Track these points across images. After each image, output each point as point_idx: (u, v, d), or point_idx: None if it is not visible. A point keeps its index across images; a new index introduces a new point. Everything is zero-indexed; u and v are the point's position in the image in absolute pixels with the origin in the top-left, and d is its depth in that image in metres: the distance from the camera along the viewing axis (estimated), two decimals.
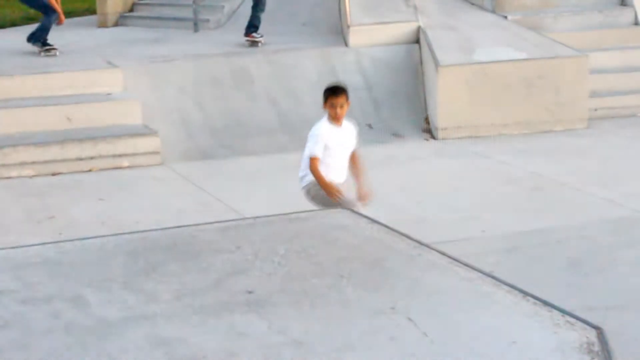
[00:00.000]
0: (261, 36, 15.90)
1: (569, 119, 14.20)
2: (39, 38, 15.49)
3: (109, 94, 13.96)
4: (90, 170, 12.46)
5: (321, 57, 15.12)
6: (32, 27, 21.08)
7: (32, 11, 23.29)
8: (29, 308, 5.32)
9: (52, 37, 17.50)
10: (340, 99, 8.55)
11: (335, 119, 8.62)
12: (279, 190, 11.22)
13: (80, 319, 5.16)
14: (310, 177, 8.69)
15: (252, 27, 16.01)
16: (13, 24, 21.72)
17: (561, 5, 17.16)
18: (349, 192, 8.58)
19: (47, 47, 15.36)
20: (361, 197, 8.56)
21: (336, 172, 8.69)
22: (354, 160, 8.92)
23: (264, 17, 16.76)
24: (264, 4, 16.14)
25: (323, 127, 8.72)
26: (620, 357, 4.75)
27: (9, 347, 4.87)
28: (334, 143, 8.66)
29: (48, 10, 15.23)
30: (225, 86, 14.71)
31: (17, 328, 5.08)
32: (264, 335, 4.96)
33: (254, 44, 15.89)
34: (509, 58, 14.47)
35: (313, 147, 8.63)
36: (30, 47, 15.58)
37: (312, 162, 8.58)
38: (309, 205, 8.37)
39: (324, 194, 8.49)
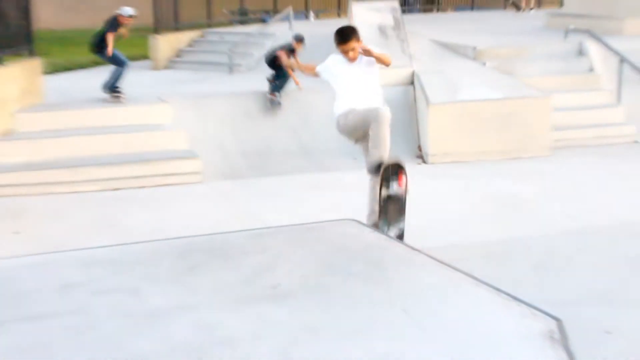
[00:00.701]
0: (279, 96, 15.15)
1: (535, 148, 14.21)
2: (111, 86, 15.04)
3: (159, 124, 14.02)
4: (143, 187, 12.52)
5: (333, 94, 15.12)
6: (98, 70, 21.27)
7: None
8: (95, 298, 5.35)
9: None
10: (350, 44, 7.75)
11: (347, 59, 7.90)
12: (298, 204, 11.25)
13: (137, 307, 5.19)
14: (336, 112, 8.12)
15: (277, 88, 15.22)
16: (81, 67, 21.80)
17: (530, 54, 17.20)
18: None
19: (116, 94, 14.91)
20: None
21: (354, 102, 7.90)
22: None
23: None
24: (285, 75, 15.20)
25: (331, 57, 8.19)
26: (575, 343, 4.76)
27: (80, 329, 4.90)
28: (343, 74, 8.00)
29: (119, 62, 14.97)
30: (254, 118, 14.76)
31: (86, 314, 5.11)
32: (285, 321, 4.98)
33: (272, 101, 15.13)
34: (486, 98, 14.49)
35: (321, 66, 8.42)
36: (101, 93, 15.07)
37: (306, 66, 9.04)
38: (324, 217, 8.36)
39: (348, 121, 7.91)
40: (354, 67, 7.89)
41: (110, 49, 14.44)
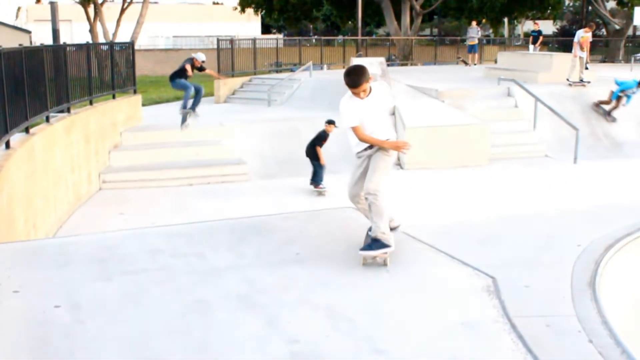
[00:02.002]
0: (324, 188, 11.79)
1: (478, 159, 14.13)
2: (184, 116, 13.72)
3: (219, 140, 14.02)
4: (209, 183, 12.52)
5: (338, 121, 15.08)
6: (178, 103, 21.34)
7: (178, 92, 23.53)
8: (174, 260, 5.34)
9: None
10: (360, 88, 5.05)
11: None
12: (314, 197, 11.23)
13: (203, 267, 5.18)
14: (358, 148, 5.37)
15: (318, 179, 11.99)
16: (167, 101, 21.87)
17: (474, 95, 17.12)
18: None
19: (185, 121, 13.72)
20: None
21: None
22: None
23: (307, 98, 16.76)
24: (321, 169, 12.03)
25: (345, 101, 5.20)
26: (504, 294, 4.73)
27: (163, 281, 4.90)
28: (360, 115, 5.14)
29: (187, 89, 13.74)
30: (284, 137, 14.72)
31: (167, 271, 5.11)
32: (304, 277, 4.97)
33: (320, 193, 11.78)
34: (445, 124, 14.44)
35: (346, 121, 5.17)
36: (180, 119, 14.52)
37: (356, 132, 5.16)
38: (332, 205, 8.31)
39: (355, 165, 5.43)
40: (365, 105, 5.17)
41: (189, 72, 13.32)
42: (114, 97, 14.27)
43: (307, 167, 13.47)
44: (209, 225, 6.53)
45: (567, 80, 18.03)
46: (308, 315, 4.33)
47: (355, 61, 17.14)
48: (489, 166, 13.96)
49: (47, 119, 10.27)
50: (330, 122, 12.45)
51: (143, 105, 16.45)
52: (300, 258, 5.36)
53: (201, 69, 13.63)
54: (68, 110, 11.39)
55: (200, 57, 13.58)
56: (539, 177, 12.77)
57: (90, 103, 12.75)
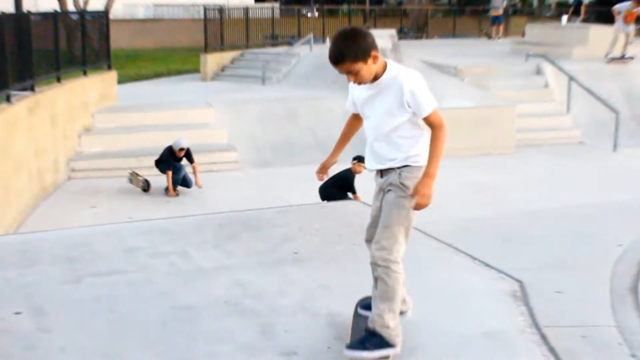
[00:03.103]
0: None
1: (502, 146, 14.12)
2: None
3: (206, 123, 14.01)
4: (192, 172, 12.49)
5: (343, 102, 14.97)
6: (160, 81, 21.28)
7: (159, 69, 23.51)
8: (154, 259, 5.32)
9: (171, 86, 17.53)
10: (342, 68, 3.63)
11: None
12: (314, 188, 11.20)
13: (187, 267, 5.16)
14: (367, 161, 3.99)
15: None
16: (146, 78, 21.88)
17: (499, 73, 17.11)
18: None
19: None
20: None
21: (369, 151, 3.90)
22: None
23: (306, 76, 16.74)
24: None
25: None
26: (533, 300, 4.71)
27: (139, 284, 4.88)
28: (359, 102, 3.89)
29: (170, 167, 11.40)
30: (281, 120, 14.71)
31: (146, 271, 5.09)
32: (303, 281, 4.95)
33: None
34: (464, 106, 14.41)
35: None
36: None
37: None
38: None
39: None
40: (367, 91, 3.80)
41: (170, 187, 11.15)
42: (85, 73, 14.23)
43: (306, 154, 13.45)
44: (194, 220, 6.51)
45: (606, 56, 17.98)
46: (307, 324, 4.30)
47: None
48: (515, 154, 13.95)
49: (8, 98, 10.23)
50: (361, 160, 9.30)
51: (118, 82, 16.42)
52: (298, 258, 5.34)
53: (189, 158, 11.35)
54: (32, 89, 11.34)
55: (180, 144, 11.26)
56: (573, 167, 12.75)
57: (58, 80, 12.71)
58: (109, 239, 5.84)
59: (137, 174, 11.54)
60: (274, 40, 24.29)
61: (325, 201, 9.00)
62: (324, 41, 25.61)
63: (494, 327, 4.34)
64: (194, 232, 5.99)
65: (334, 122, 13.83)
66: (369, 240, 4.05)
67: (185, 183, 11.41)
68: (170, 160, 11.20)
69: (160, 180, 11.13)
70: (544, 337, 4.22)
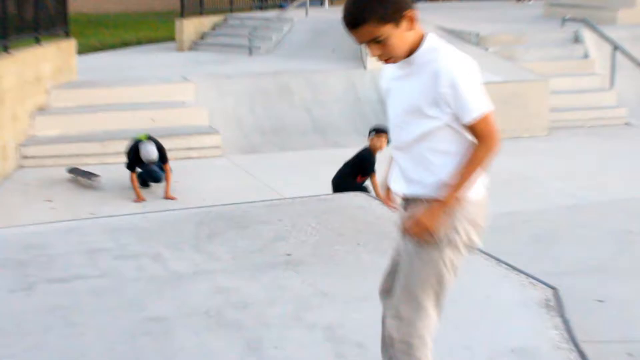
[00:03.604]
0: None
1: (533, 128, 14.11)
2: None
3: (183, 101, 13.98)
4: (168, 160, 12.48)
5: (345, 77, 15.05)
6: (127, 51, 21.25)
7: (127, 37, 23.48)
8: (121, 262, 5.34)
9: (141, 57, 17.52)
10: (360, 36, 2.94)
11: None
12: (311, 177, 11.21)
13: (159, 272, 5.18)
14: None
15: None
16: (112, 47, 21.82)
17: (529, 41, 17.07)
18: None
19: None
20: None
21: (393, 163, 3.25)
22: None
23: (301, 45, 16.74)
24: None
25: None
26: (570, 310, 4.72)
27: (104, 292, 4.89)
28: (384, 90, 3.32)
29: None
30: (271, 97, 14.68)
31: (111, 277, 5.10)
32: (298, 287, 4.96)
33: None
34: (488, 81, 14.33)
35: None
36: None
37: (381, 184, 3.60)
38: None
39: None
40: (399, 81, 3.16)
41: (136, 192, 10.57)
42: (38, 41, 14.19)
43: (302, 138, 13.44)
44: (168, 216, 6.53)
45: None
46: (302, 338, 4.31)
47: None
48: (548, 138, 13.94)
49: None
50: (380, 132, 8.94)
51: (79, 53, 16.37)
52: (292, 260, 5.34)
53: (161, 156, 10.78)
54: None
55: (149, 155, 10.52)
56: (618, 153, 12.75)
57: (5, 50, 12.67)
58: (68, 239, 5.85)
59: (78, 171, 11.42)
60: (262, 2, 24.25)
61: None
62: (322, 3, 25.60)
63: (523, 342, 4.35)
64: (168, 230, 5.99)
65: (334, 101, 13.89)
66: (384, 292, 3.42)
67: (153, 176, 10.88)
68: (134, 161, 10.65)
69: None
70: (582, 355, 4.23)
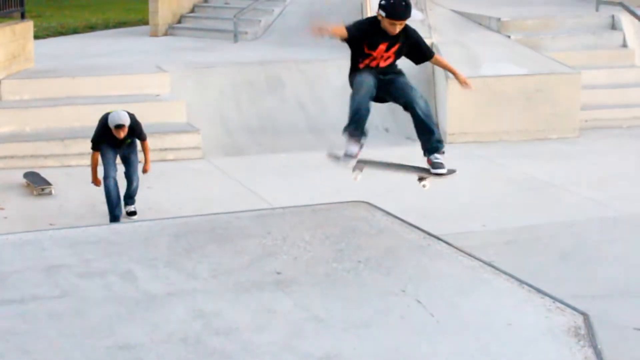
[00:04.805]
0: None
1: (562, 129, 14.14)
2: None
3: (157, 95, 13.98)
4: (140, 162, 12.48)
5: (345, 66, 15.00)
6: (93, 35, 21.26)
7: (93, 19, 23.48)
8: (85, 281, 5.34)
9: (109, 42, 17.53)
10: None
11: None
12: (305, 184, 11.23)
13: (129, 292, 5.18)
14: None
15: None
16: (75, 31, 21.80)
17: (558, 27, 17.08)
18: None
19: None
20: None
21: None
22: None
23: (294, 30, 16.74)
24: None
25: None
26: (604, 340, 4.74)
27: (65, 315, 4.89)
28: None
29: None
30: (260, 90, 14.70)
31: (74, 298, 5.10)
32: (289, 311, 4.97)
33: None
34: (510, 73, 14.42)
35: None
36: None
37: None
38: (333, 198, 8.31)
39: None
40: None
41: (93, 175, 10.19)
42: None
43: (294, 138, 13.44)
44: (140, 228, 6.53)
45: None
46: None
47: None
48: (579, 140, 13.97)
49: None
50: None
51: (36, 37, 16.37)
52: (282, 280, 5.36)
53: (137, 134, 10.38)
54: None
55: (117, 118, 10.06)
56: None
57: None
58: (24, 253, 5.85)
59: (34, 176, 11.35)
60: None
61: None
62: None
63: None
64: (140, 244, 6.00)
65: (333, 95, 13.87)
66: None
67: (128, 177, 10.33)
68: (102, 140, 10.15)
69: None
70: None
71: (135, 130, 10.22)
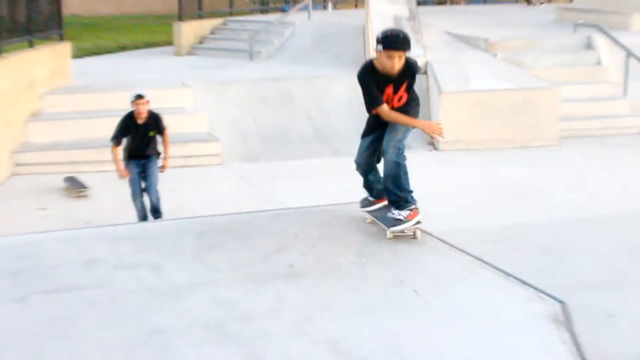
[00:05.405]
0: None
1: (544, 138, 14.14)
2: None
3: (181, 108, 14.02)
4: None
5: (349, 82, 15.03)
6: (124, 55, 21.29)
7: (124, 40, 23.53)
8: (118, 273, 5.37)
9: (138, 61, 17.57)
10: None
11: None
12: (312, 187, 11.25)
13: (158, 283, 5.20)
14: None
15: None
16: (108, 51, 21.85)
17: (540, 47, 17.11)
18: None
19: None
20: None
21: None
22: None
23: (303, 50, 16.79)
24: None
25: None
26: (579, 325, 4.75)
27: (102, 303, 4.92)
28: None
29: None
30: (273, 104, 14.74)
31: (109, 288, 5.13)
32: (300, 300, 4.99)
33: None
34: (497, 88, 14.43)
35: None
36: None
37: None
38: (338, 200, 8.32)
39: None
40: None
41: (118, 166, 9.68)
42: (31, 45, 14.25)
43: (304, 147, 13.46)
44: (167, 226, 6.55)
45: None
46: (304, 352, 4.35)
47: (374, 0, 17.09)
48: (559, 147, 13.96)
49: None
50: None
51: (74, 57, 16.42)
52: (294, 272, 5.38)
53: (157, 124, 9.84)
54: None
55: (135, 93, 9.80)
56: (630, 165, 12.78)
57: None
58: (63, 249, 5.88)
59: (72, 180, 11.35)
60: (264, 5, 24.33)
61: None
62: (325, 7, 25.67)
63: (530, 357, 4.39)
64: (167, 241, 6.02)
65: (337, 108, 13.92)
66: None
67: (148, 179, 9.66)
68: (123, 130, 9.63)
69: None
70: None
71: (158, 120, 9.78)
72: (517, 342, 4.58)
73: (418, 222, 5.86)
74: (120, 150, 9.72)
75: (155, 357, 4.27)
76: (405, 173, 5.94)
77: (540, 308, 4.97)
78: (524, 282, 5.32)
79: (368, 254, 5.68)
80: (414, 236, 5.86)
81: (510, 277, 5.40)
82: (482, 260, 5.67)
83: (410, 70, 5.92)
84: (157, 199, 9.57)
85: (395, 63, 5.74)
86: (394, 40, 5.74)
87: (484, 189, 11.32)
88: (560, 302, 5.01)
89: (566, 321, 4.79)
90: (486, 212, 9.96)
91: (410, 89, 6.00)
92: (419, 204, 5.94)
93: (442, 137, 6.03)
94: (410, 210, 5.85)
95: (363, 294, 5.07)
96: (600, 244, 7.03)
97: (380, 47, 5.74)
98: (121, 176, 9.65)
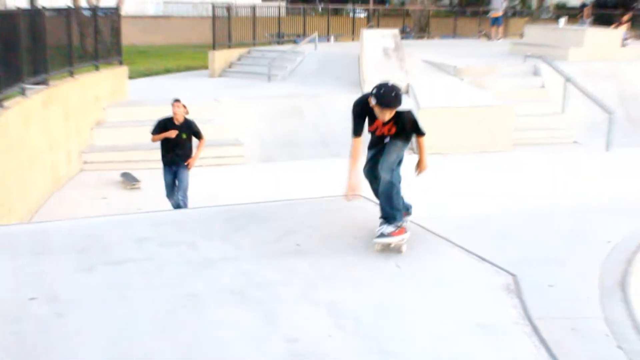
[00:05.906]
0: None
1: (500, 145, 14.13)
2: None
3: (214, 118, 14.03)
4: (200, 166, 12.51)
5: (346, 99, 14.99)
6: (169, 76, 21.28)
7: (169, 65, 23.54)
8: (163, 249, 5.39)
9: (180, 81, 17.55)
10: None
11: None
12: (317, 182, 11.24)
13: (194, 257, 5.22)
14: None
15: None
16: (156, 73, 21.88)
17: (498, 73, 17.10)
18: None
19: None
20: None
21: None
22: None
23: (311, 73, 16.78)
24: None
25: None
26: (526, 293, 4.77)
27: (150, 272, 4.94)
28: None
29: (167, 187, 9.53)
30: (286, 116, 14.74)
31: (155, 261, 5.15)
32: (305, 271, 5.01)
33: None
34: (464, 105, 14.43)
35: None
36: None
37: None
38: (337, 193, 8.32)
39: None
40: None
41: (164, 135, 9.42)
42: (97, 68, 14.28)
43: (310, 150, 13.47)
44: (201, 212, 6.57)
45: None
46: (309, 313, 4.36)
47: (367, 34, 17.06)
48: (512, 152, 13.96)
49: (23, 92, 10.28)
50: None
51: (129, 78, 16.44)
52: (301, 250, 5.39)
53: (194, 132, 9.48)
54: (46, 83, 11.39)
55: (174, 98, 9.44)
56: (567, 166, 12.76)
57: (71, 75, 12.76)
58: (120, 229, 5.91)
59: (127, 175, 11.39)
60: (279, 38, 24.29)
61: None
62: (328, 39, 25.63)
63: (487, 318, 4.40)
64: (201, 224, 6.04)
65: (337, 119, 13.90)
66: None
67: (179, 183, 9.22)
68: (161, 125, 9.36)
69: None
70: (535, 329, 4.28)
71: (192, 126, 9.41)
72: (477, 305, 4.59)
73: (402, 239, 5.33)
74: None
75: (192, 314, 4.29)
76: (398, 193, 5.50)
77: (496, 279, 4.99)
78: (482, 259, 5.34)
79: (360, 237, 5.69)
80: (399, 250, 5.32)
81: (472, 254, 5.42)
82: (449, 241, 5.67)
83: (400, 120, 5.51)
84: (185, 203, 9.09)
85: (385, 116, 5.34)
86: (385, 99, 5.26)
87: (452, 184, 11.31)
88: (512, 274, 5.03)
89: (516, 290, 4.81)
90: (455, 204, 9.94)
91: (398, 126, 5.58)
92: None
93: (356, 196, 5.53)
94: (396, 227, 5.33)
95: (356, 266, 5.08)
96: (543, 229, 7.03)
97: (374, 100, 5.29)
98: (171, 136, 9.18)
